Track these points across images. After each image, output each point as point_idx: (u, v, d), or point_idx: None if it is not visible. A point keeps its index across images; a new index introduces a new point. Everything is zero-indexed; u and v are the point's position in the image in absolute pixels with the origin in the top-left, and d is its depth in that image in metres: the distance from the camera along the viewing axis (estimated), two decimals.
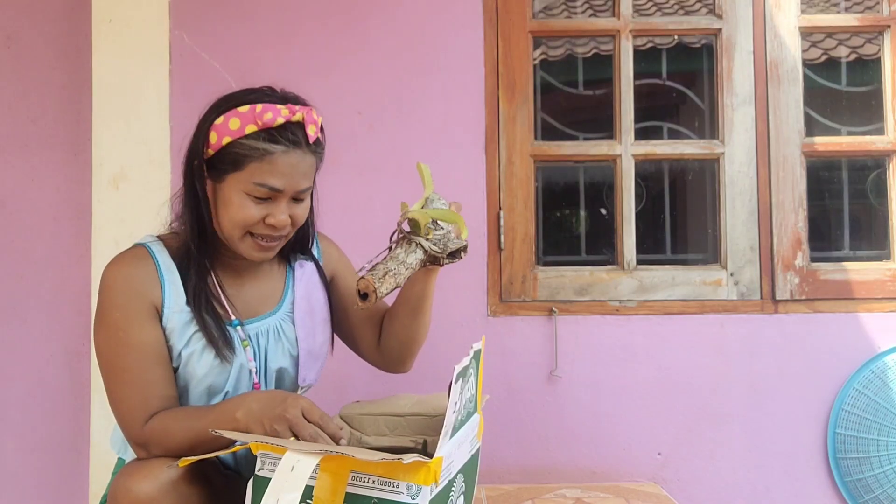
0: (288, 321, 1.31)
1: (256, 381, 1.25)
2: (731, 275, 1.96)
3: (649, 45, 3.92)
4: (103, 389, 1.83)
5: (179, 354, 1.18)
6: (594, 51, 4.25)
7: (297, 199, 1.20)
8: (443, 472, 0.99)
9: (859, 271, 1.96)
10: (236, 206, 1.16)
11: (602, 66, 4.12)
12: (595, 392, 1.93)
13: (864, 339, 1.93)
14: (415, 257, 1.17)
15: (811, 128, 2.07)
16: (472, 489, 1.23)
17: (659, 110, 4.12)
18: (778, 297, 1.94)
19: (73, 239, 1.98)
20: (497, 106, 1.97)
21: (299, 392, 1.34)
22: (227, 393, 1.22)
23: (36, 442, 1.97)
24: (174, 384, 1.19)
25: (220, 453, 1.05)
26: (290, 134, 1.15)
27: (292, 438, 1.02)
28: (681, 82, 4.11)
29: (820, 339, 1.93)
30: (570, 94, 4.20)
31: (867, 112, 3.48)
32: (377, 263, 1.15)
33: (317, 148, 1.20)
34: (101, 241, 1.88)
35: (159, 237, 1.27)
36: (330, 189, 1.43)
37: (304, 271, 1.36)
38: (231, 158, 1.15)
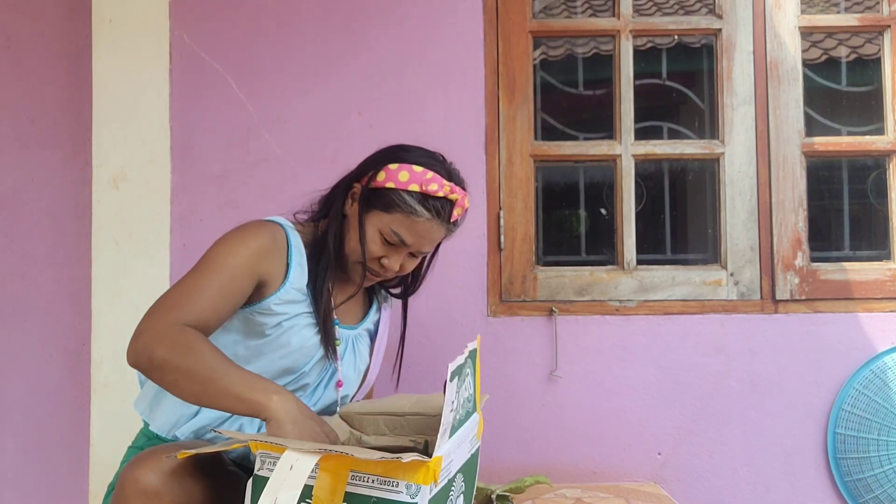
0: (360, 339, 1.44)
1: (340, 379, 1.37)
2: (731, 275, 1.96)
3: (649, 45, 3.92)
4: (103, 389, 1.85)
5: (283, 323, 1.28)
6: (594, 51, 4.25)
7: (414, 255, 1.36)
8: (442, 472, 0.99)
9: (859, 271, 1.96)
10: (367, 238, 1.32)
11: (602, 66, 4.12)
12: (595, 392, 1.93)
13: (864, 339, 1.93)
14: None
15: (811, 128, 2.07)
16: (471, 489, 1.23)
17: (659, 110, 4.12)
18: (778, 297, 1.94)
19: (73, 239, 1.98)
20: (497, 106, 1.97)
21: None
22: (302, 374, 1.32)
23: (36, 442, 1.98)
24: (219, 323, 1.22)
25: (217, 449, 1.05)
26: (440, 206, 1.31)
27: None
28: (681, 82, 4.11)
29: (820, 339, 1.93)
30: (570, 94, 4.20)
31: (867, 112, 3.48)
32: None
33: (453, 226, 1.36)
34: (101, 241, 1.88)
35: (293, 226, 1.36)
36: (434, 265, 1.49)
37: (388, 312, 1.54)
38: (385, 200, 1.30)
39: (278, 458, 0.94)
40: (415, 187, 1.29)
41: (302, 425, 1.06)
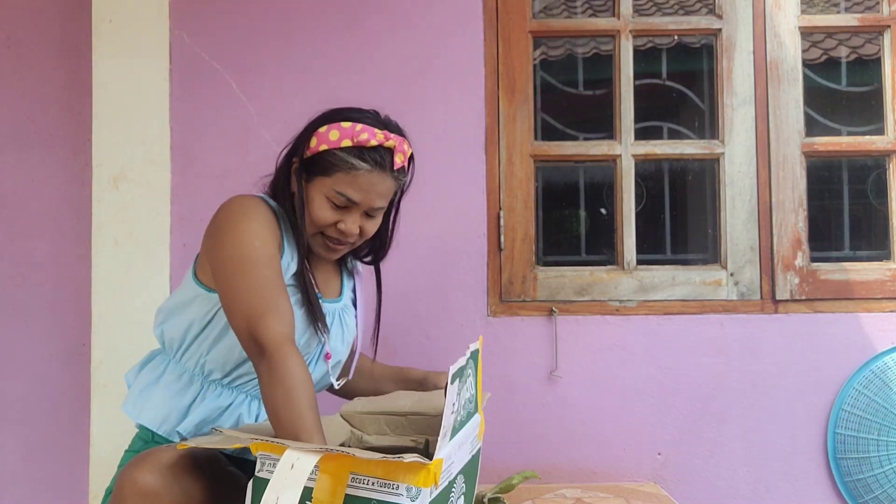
0: (346, 312, 1.43)
1: (329, 351, 1.36)
2: (731, 275, 1.96)
3: (649, 45, 3.92)
4: (103, 389, 1.85)
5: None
6: (594, 51, 4.24)
7: (370, 214, 1.33)
8: (443, 474, 0.99)
9: (859, 271, 1.96)
10: (316, 206, 1.29)
11: (602, 66, 4.12)
12: (595, 392, 1.93)
13: (864, 339, 1.93)
14: None
15: (811, 128, 2.06)
16: (472, 490, 1.23)
17: (659, 110, 4.12)
18: (778, 297, 1.94)
19: (73, 239, 1.98)
20: (497, 106, 1.97)
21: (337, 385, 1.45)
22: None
23: (36, 442, 1.97)
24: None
25: (218, 445, 1.05)
26: (378, 156, 1.28)
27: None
28: (681, 82, 4.11)
29: (820, 339, 1.93)
30: (570, 94, 4.20)
31: (867, 112, 3.48)
32: None
33: (399, 174, 1.32)
34: (101, 241, 1.88)
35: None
36: (398, 223, 1.47)
37: (361, 277, 1.51)
38: (323, 164, 1.28)
39: (278, 460, 0.94)
40: (347, 143, 1.26)
41: None
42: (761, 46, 1.99)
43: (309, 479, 0.93)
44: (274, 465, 0.96)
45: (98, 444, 1.85)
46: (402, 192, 1.41)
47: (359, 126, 1.27)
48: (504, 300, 1.94)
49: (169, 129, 1.91)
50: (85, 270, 1.94)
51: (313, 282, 1.33)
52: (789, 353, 1.93)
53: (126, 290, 1.87)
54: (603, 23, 2.06)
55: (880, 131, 2.05)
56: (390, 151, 1.28)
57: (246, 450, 1.03)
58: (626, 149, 1.98)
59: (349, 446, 1.20)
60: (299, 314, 1.28)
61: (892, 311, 1.94)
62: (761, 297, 1.95)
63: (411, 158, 1.36)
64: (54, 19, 2.00)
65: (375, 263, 1.48)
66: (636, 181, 2.00)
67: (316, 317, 1.30)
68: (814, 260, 1.97)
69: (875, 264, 1.98)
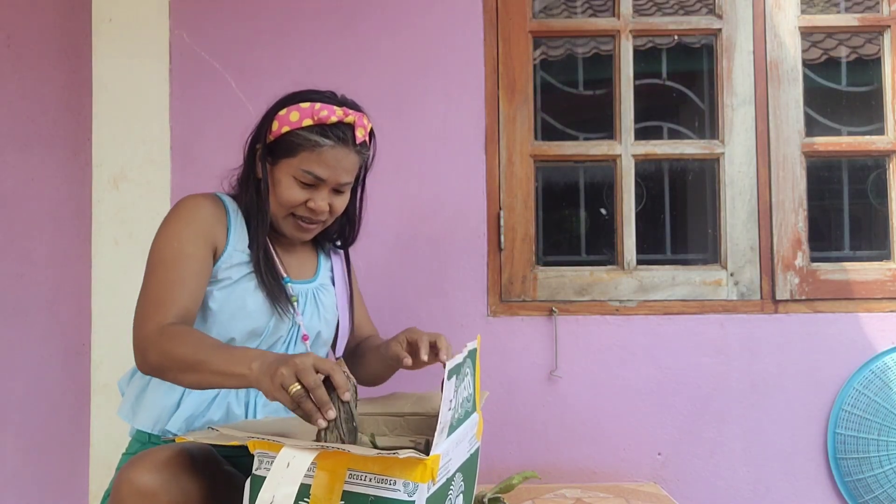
0: (323, 291, 1.44)
1: (305, 333, 1.37)
2: (731, 275, 1.96)
3: (649, 45, 3.92)
4: (103, 389, 1.85)
5: (231, 286, 1.30)
6: (594, 51, 4.25)
7: (337, 190, 1.35)
8: (440, 471, 0.99)
9: (859, 271, 1.96)
10: (284, 188, 1.32)
11: (602, 66, 4.12)
12: (595, 392, 1.93)
13: (864, 339, 1.93)
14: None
15: (811, 128, 2.06)
16: (471, 488, 1.23)
17: (659, 110, 4.12)
18: (778, 297, 1.94)
19: (73, 239, 1.98)
20: (497, 106, 1.97)
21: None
22: (268, 333, 1.32)
23: (36, 442, 1.98)
24: (198, 304, 1.27)
25: (215, 441, 1.05)
26: (340, 132, 1.31)
27: (297, 386, 1.00)
28: (681, 82, 4.11)
29: (820, 339, 1.93)
30: (570, 94, 4.20)
31: (867, 112, 3.48)
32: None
33: (362, 149, 1.35)
34: (101, 241, 1.88)
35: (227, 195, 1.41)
36: (366, 202, 1.49)
37: (338, 259, 1.53)
38: (286, 145, 1.31)
39: (275, 457, 0.94)
40: (308, 122, 1.29)
41: (279, 364, 1.04)
42: (761, 46, 1.99)
43: (307, 475, 0.93)
44: (271, 463, 0.96)
45: (98, 444, 1.86)
46: (367, 170, 1.43)
47: (318, 105, 1.30)
48: (504, 300, 1.94)
49: (169, 129, 1.91)
50: (85, 270, 1.94)
51: (279, 265, 1.36)
52: (789, 353, 1.93)
53: (126, 290, 1.86)
54: (603, 23, 2.06)
55: (880, 131, 2.05)
56: (351, 127, 1.31)
57: (244, 448, 1.03)
58: (626, 149, 1.98)
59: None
60: (259, 299, 1.30)
61: (892, 311, 1.94)
62: (761, 297, 1.95)
63: (372, 134, 1.38)
64: (54, 19, 2.01)
65: (346, 247, 1.52)
66: (636, 181, 2.00)
67: (275, 298, 1.31)
68: (814, 260, 1.97)
69: (875, 264, 1.98)
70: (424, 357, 1.26)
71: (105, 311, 1.87)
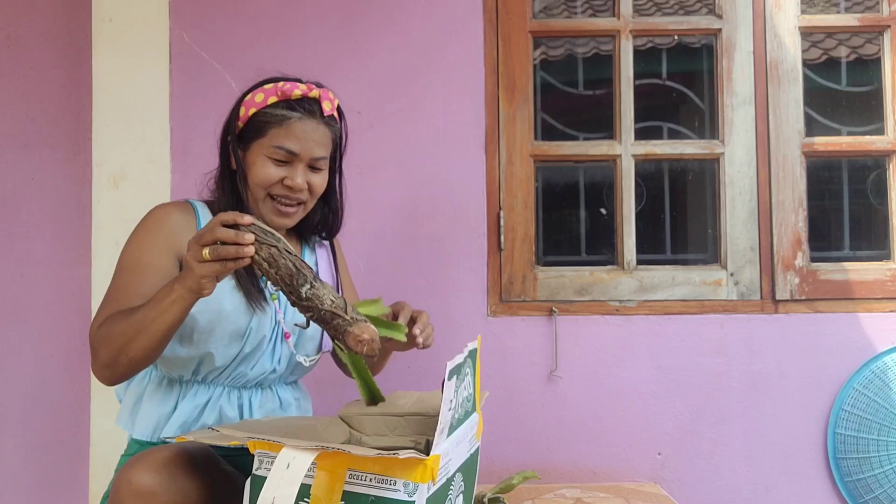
0: None
1: (287, 331, 1.35)
2: (731, 275, 1.96)
3: (649, 45, 3.92)
4: (103, 389, 1.84)
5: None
6: (594, 51, 4.25)
7: (313, 167, 1.33)
8: (440, 471, 0.99)
9: (859, 271, 1.96)
10: (258, 168, 1.30)
11: (602, 66, 4.12)
12: (595, 392, 1.93)
13: (864, 339, 1.93)
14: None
15: (811, 128, 2.07)
16: (471, 488, 1.23)
17: (659, 110, 4.12)
18: (778, 297, 1.94)
19: (73, 239, 1.98)
20: (497, 106, 1.97)
21: (317, 355, 1.43)
22: (249, 332, 1.30)
23: (36, 442, 1.98)
24: None
25: (215, 441, 1.05)
26: (306, 104, 1.30)
27: (206, 251, 1.03)
28: (681, 82, 4.11)
29: (820, 339, 1.93)
30: (570, 94, 4.20)
31: (867, 112, 3.48)
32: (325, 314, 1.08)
33: (331, 122, 1.34)
34: (101, 241, 1.88)
35: (202, 201, 1.39)
36: (345, 189, 1.47)
37: (323, 252, 1.51)
38: (255, 127, 1.31)
39: (275, 458, 0.94)
40: (273, 99, 1.30)
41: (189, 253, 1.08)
42: (761, 46, 1.99)
43: (307, 475, 0.93)
44: (271, 463, 0.96)
45: (98, 444, 1.86)
46: (342, 153, 1.41)
47: (281, 83, 1.31)
48: (504, 300, 1.94)
49: (169, 129, 1.91)
50: (85, 270, 1.94)
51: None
52: (789, 353, 1.93)
53: None
54: (603, 23, 2.06)
55: (880, 131, 2.05)
56: (317, 100, 1.31)
57: (244, 448, 1.03)
58: (626, 149, 1.98)
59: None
60: (237, 299, 1.30)
61: (892, 311, 1.94)
62: (761, 297, 1.95)
63: (342, 114, 1.38)
64: (54, 19, 2.01)
65: (330, 237, 1.50)
66: (636, 181, 2.00)
67: (250, 297, 1.30)
68: (814, 260, 1.97)
69: (875, 264, 1.98)
70: (402, 320, 1.27)
71: None
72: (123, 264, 1.27)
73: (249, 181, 1.32)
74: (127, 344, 1.13)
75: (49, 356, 1.98)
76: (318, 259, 1.49)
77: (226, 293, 1.29)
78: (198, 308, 1.26)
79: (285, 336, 1.36)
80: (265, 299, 1.33)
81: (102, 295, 1.85)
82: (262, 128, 1.30)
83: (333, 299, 1.06)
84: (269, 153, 1.29)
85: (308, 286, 1.05)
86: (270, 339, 1.35)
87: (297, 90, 1.29)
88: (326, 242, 1.53)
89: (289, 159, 1.30)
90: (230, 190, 1.34)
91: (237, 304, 1.30)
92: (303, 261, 1.07)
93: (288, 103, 1.30)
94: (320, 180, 1.35)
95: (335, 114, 1.35)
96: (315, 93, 1.31)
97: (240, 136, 1.33)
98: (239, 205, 1.33)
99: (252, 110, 1.31)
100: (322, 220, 1.46)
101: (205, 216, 1.34)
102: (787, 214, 1.96)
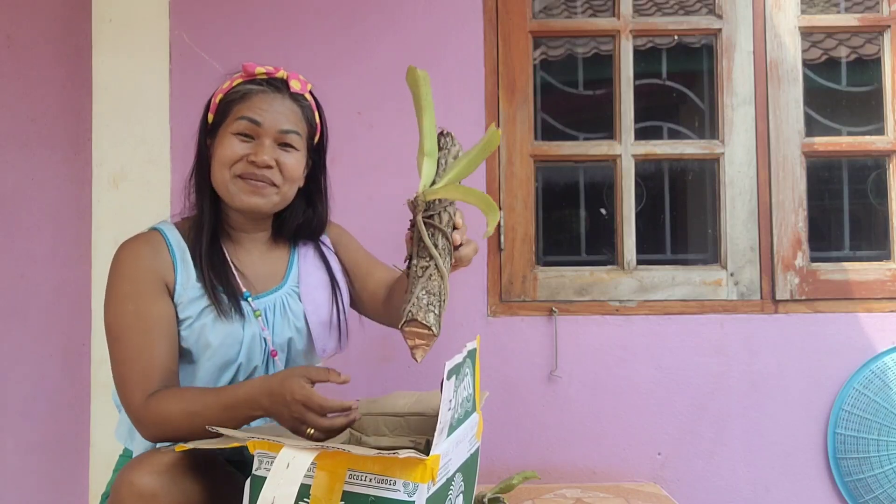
0: (293, 296, 1.36)
1: (273, 349, 1.31)
2: (731, 275, 1.96)
3: (649, 45, 3.91)
4: (103, 389, 1.85)
5: (192, 325, 1.24)
6: (594, 51, 4.24)
7: (283, 144, 1.27)
8: (440, 471, 0.99)
9: (859, 271, 1.96)
10: (224, 148, 1.26)
11: (602, 66, 4.12)
12: (595, 392, 1.93)
13: (864, 339, 1.93)
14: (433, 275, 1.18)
15: (811, 128, 2.07)
16: (471, 488, 1.23)
17: (659, 110, 4.12)
18: (778, 297, 1.94)
19: (73, 239, 1.98)
20: (497, 106, 1.97)
21: (320, 362, 1.42)
22: (240, 365, 1.27)
23: (36, 442, 1.98)
24: (177, 360, 1.24)
25: (215, 445, 1.05)
26: (270, 81, 1.29)
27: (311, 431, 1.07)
28: (681, 82, 4.10)
29: (820, 339, 1.93)
30: (570, 94, 4.20)
31: (867, 112, 3.47)
32: (406, 305, 1.12)
33: (301, 99, 1.30)
34: (101, 241, 1.88)
35: (172, 223, 1.34)
36: (330, 188, 1.46)
37: (307, 251, 1.43)
38: (222, 110, 1.28)
39: (275, 458, 0.94)
40: (238, 80, 1.29)
41: (290, 420, 1.11)
42: (761, 46, 1.99)
43: (307, 475, 0.93)
44: (271, 463, 0.96)
45: (98, 444, 1.86)
46: (325, 146, 1.38)
47: (245, 65, 1.30)
48: (504, 300, 1.94)
49: (169, 129, 1.91)
50: (85, 270, 1.94)
51: (237, 282, 1.29)
52: (789, 353, 1.93)
53: None
54: (603, 23, 2.06)
55: (880, 131, 2.05)
56: (283, 79, 1.30)
57: (244, 449, 1.03)
58: (626, 149, 1.98)
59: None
60: (220, 330, 1.25)
61: (892, 311, 1.94)
62: (761, 297, 1.95)
63: (320, 106, 1.35)
64: (54, 19, 2.01)
65: (315, 237, 1.43)
66: (636, 181, 2.00)
67: (221, 308, 1.25)
68: (814, 260, 1.97)
69: (875, 264, 1.98)
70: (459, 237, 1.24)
71: None
72: (124, 324, 1.21)
73: (214, 164, 1.27)
74: (185, 432, 1.13)
75: (49, 356, 1.98)
76: (307, 256, 1.41)
77: (208, 327, 1.25)
78: (189, 343, 1.25)
79: (272, 354, 1.31)
80: (243, 316, 1.27)
81: (102, 295, 1.86)
82: (226, 109, 1.28)
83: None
84: (233, 129, 1.26)
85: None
86: (262, 364, 1.31)
87: (262, 68, 1.28)
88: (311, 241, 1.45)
89: (253, 131, 1.25)
90: (208, 188, 1.30)
91: (222, 337, 1.25)
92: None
93: (251, 80, 1.28)
94: (293, 161, 1.28)
95: (307, 95, 1.32)
96: (281, 73, 1.29)
97: (211, 128, 1.31)
98: (217, 211, 1.30)
99: (220, 96, 1.29)
100: (306, 223, 1.40)
101: (175, 241, 1.28)
102: (787, 214, 1.96)
